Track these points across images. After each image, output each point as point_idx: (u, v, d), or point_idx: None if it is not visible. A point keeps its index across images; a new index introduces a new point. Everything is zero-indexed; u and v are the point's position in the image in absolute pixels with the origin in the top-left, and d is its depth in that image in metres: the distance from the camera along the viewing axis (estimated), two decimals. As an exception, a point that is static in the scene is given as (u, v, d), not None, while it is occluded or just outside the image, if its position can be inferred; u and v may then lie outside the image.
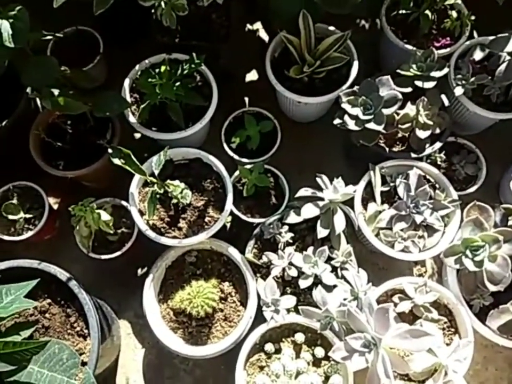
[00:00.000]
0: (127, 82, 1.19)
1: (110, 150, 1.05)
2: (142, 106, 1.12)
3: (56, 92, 1.03)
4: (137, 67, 1.20)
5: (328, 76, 1.22)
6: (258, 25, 1.55)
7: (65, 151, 1.17)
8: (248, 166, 1.19)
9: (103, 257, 1.13)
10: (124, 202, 1.18)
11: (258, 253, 1.11)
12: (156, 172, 0.99)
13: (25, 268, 0.93)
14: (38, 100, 1.24)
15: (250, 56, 1.49)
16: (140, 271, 1.27)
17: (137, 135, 1.39)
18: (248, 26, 1.55)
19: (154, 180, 1.01)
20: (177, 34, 1.24)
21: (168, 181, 1.01)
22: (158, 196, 1.02)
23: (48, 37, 1.14)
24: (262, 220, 1.16)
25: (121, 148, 1.04)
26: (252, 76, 1.48)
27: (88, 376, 0.79)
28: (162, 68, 1.10)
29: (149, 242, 1.17)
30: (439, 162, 1.22)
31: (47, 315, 0.94)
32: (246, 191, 1.16)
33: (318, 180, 1.10)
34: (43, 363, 0.79)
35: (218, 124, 1.29)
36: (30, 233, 1.15)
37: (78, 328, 0.93)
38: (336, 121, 1.13)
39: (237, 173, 1.19)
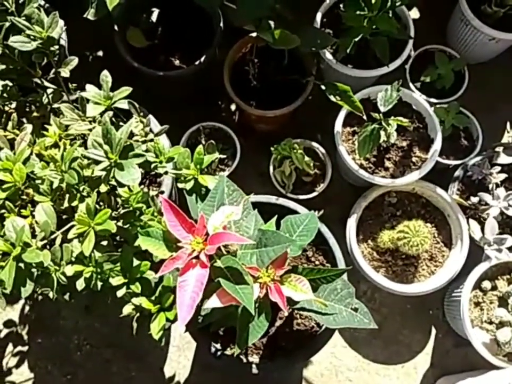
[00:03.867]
0: (319, 17, 1.13)
1: (323, 87, 1.02)
2: (345, 40, 1.08)
3: (272, 24, 0.99)
4: (328, 0, 1.15)
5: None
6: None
7: (256, 90, 1.14)
8: (438, 106, 1.16)
9: (301, 197, 1.13)
10: (314, 144, 1.17)
11: (461, 195, 1.11)
12: (383, 109, 0.96)
13: (262, 203, 0.93)
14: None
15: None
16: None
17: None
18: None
19: (378, 117, 0.98)
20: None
21: (393, 118, 0.99)
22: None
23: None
24: (457, 162, 1.14)
25: (337, 84, 1.01)
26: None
27: (360, 306, 0.81)
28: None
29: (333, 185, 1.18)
30: None
31: (279, 251, 0.95)
32: (443, 131, 1.13)
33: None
34: (318, 292, 0.80)
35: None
36: (225, 173, 1.14)
37: (317, 262, 0.94)
38: (546, 58, 1.08)
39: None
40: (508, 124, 1.31)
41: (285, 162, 1.09)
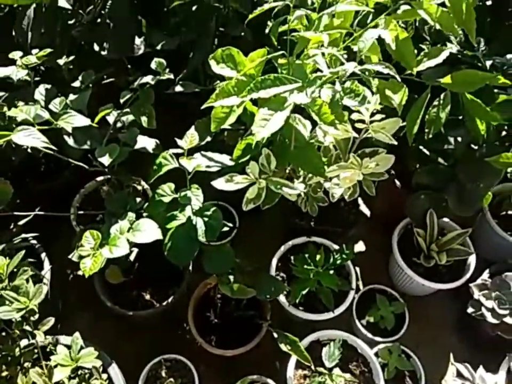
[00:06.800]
0: (274, 262, 1.32)
1: (275, 335, 1.14)
2: (295, 289, 1.24)
3: (231, 278, 1.15)
4: (282, 248, 1.35)
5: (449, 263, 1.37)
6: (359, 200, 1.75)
7: (217, 325, 1.25)
8: (382, 346, 1.28)
9: None
10: (270, 381, 1.23)
11: None
12: (328, 364, 1.07)
13: None
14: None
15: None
16: None
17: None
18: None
19: (324, 371, 1.07)
20: (312, 219, 1.42)
21: (336, 372, 1.08)
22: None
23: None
24: (404, 405, 1.21)
25: (287, 334, 1.13)
26: (359, 247, 1.64)
27: None
28: (318, 257, 1.24)
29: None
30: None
31: None
32: (387, 374, 1.22)
33: (461, 368, 1.17)
34: None
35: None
36: (181, 411, 1.17)
37: None
38: (470, 310, 1.25)
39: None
40: (452, 356, 1.42)
41: (240, 405, 1.14)
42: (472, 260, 1.35)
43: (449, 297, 1.50)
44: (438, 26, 0.99)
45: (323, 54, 0.90)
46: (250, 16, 0.97)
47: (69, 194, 1.43)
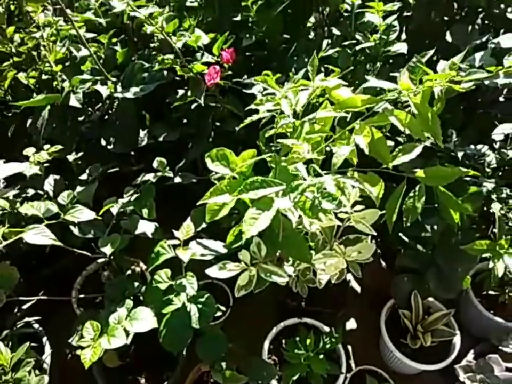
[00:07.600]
0: (266, 345, 1.36)
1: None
2: (286, 374, 1.27)
3: (224, 364, 1.19)
4: (274, 330, 1.40)
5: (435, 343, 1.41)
6: (349, 276, 1.82)
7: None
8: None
9: None
10: None
11: None
12: None
13: None
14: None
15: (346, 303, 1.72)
16: None
17: None
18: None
19: None
20: (302, 299, 1.48)
21: None
22: None
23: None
24: None
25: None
26: (351, 324, 1.68)
27: None
28: (308, 341, 1.29)
29: None
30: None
31: None
32: None
33: None
34: None
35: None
36: None
37: None
38: (458, 393, 1.28)
39: None
40: None
41: None
42: (457, 340, 1.39)
43: (438, 375, 1.52)
44: (407, 131, 1.11)
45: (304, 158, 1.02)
46: (241, 125, 1.10)
47: (71, 275, 1.50)
